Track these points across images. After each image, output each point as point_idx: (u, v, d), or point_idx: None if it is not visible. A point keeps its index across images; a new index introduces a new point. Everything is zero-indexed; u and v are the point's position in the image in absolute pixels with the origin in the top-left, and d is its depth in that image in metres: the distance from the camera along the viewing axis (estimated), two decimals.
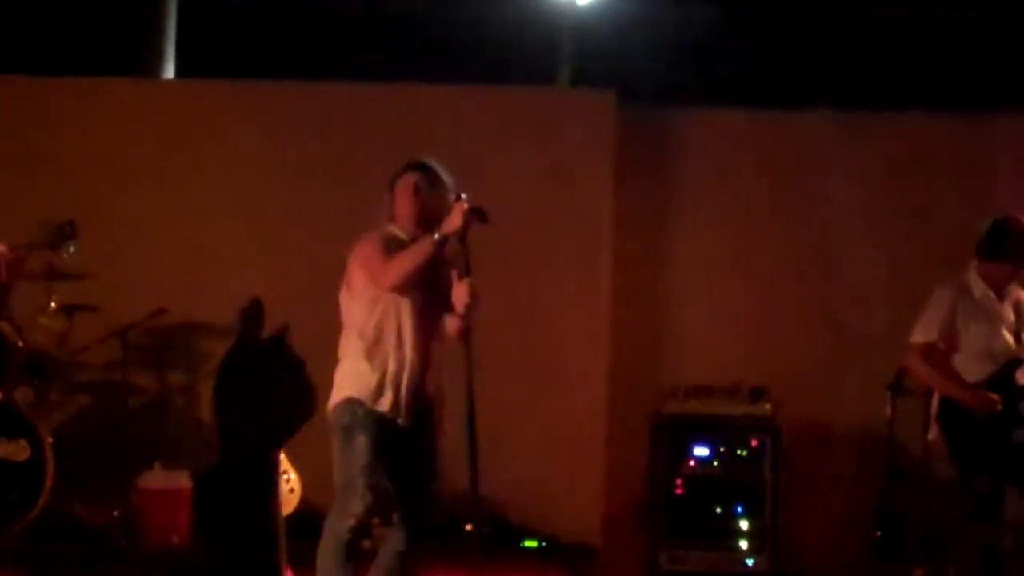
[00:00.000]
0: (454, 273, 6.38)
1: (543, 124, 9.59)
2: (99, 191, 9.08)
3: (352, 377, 6.40)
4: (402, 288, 6.31)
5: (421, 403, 6.43)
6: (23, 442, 8.11)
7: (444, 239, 6.26)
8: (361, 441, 6.30)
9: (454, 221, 6.24)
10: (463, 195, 6.31)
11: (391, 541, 6.48)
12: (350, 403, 6.35)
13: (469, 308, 6.31)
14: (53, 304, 8.57)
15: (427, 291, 6.39)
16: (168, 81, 11.30)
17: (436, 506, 6.51)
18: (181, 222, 9.30)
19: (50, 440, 8.15)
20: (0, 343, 8.39)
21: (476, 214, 6.25)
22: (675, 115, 9.97)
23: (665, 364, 9.63)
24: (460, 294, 6.33)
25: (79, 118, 9.36)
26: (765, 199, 9.79)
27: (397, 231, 6.47)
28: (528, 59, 12.18)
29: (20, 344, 8.49)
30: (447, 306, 6.43)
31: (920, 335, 7.46)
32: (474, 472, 6.28)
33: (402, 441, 6.39)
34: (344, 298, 6.48)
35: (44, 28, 12.13)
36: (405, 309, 6.37)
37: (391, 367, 6.34)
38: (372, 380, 6.34)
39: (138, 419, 8.99)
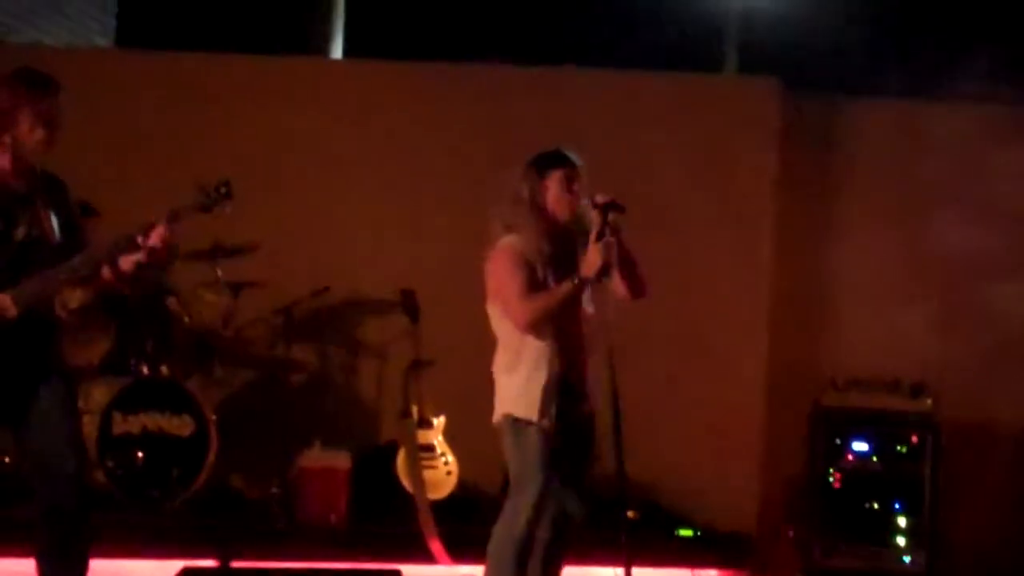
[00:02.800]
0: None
1: (705, 111, 9.48)
2: (266, 168, 9.15)
3: (508, 393, 6.27)
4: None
5: (579, 395, 6.29)
6: (187, 417, 8.21)
7: (584, 282, 6.12)
8: (532, 431, 6.17)
9: (593, 262, 6.07)
10: (597, 196, 6.12)
11: (548, 527, 6.38)
12: (508, 418, 6.24)
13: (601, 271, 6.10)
14: (219, 280, 8.63)
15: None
16: (336, 61, 11.40)
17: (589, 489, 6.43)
18: (345, 200, 9.35)
19: (213, 417, 8.26)
20: (166, 319, 8.52)
21: (612, 208, 6.09)
22: (842, 104, 9.82)
23: (824, 355, 9.53)
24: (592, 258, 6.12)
25: (248, 96, 9.43)
26: (933, 191, 9.63)
27: (534, 239, 6.25)
28: (695, 46, 12.10)
29: (186, 320, 8.59)
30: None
31: None
32: (619, 454, 6.14)
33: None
34: (490, 310, 6.35)
35: (217, 6, 12.30)
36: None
37: (541, 378, 6.17)
38: (526, 395, 6.18)
39: (299, 396, 9.06)
